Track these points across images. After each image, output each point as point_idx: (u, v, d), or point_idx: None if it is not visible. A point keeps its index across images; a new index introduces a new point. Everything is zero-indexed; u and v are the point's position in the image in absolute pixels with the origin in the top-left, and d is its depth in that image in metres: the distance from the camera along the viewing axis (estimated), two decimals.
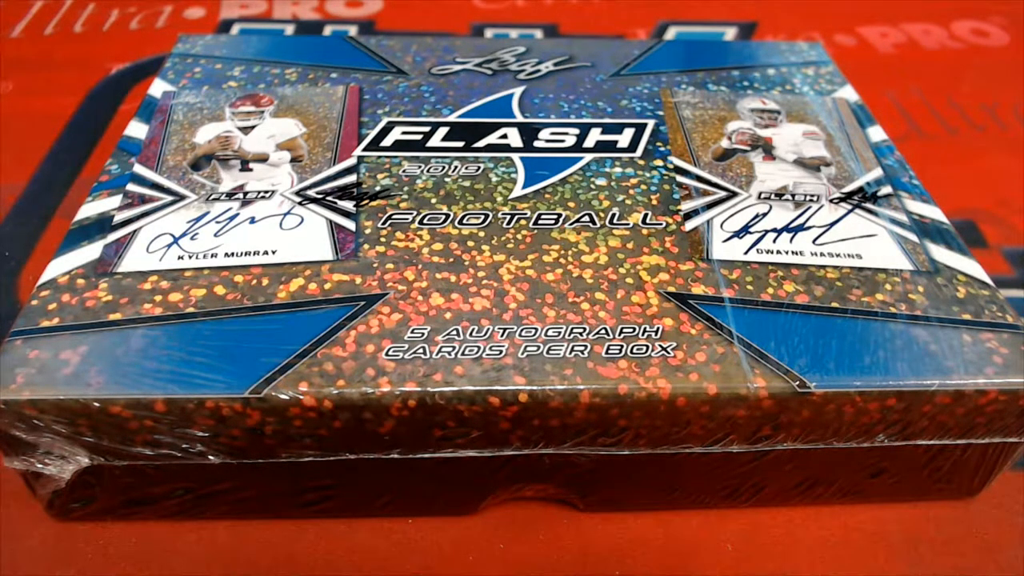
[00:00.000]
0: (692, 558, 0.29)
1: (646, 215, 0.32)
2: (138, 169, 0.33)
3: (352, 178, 0.33)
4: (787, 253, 0.30)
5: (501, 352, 0.26)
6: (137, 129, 0.35)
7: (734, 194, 0.33)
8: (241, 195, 0.32)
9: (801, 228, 0.32)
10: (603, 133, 0.36)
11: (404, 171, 0.33)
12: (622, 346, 0.26)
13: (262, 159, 0.34)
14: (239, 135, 0.35)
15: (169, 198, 0.32)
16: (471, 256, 0.29)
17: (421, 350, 0.26)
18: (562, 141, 0.36)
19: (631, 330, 0.27)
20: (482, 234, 0.30)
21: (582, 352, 0.26)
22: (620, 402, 0.25)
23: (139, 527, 0.29)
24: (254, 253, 0.29)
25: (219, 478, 0.27)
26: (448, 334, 0.26)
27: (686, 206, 0.32)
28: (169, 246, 0.29)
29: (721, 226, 0.31)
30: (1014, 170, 0.48)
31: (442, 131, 0.36)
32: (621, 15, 0.64)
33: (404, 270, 0.29)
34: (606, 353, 0.26)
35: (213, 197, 0.32)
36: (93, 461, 0.26)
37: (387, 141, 0.35)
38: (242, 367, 0.25)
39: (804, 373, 0.26)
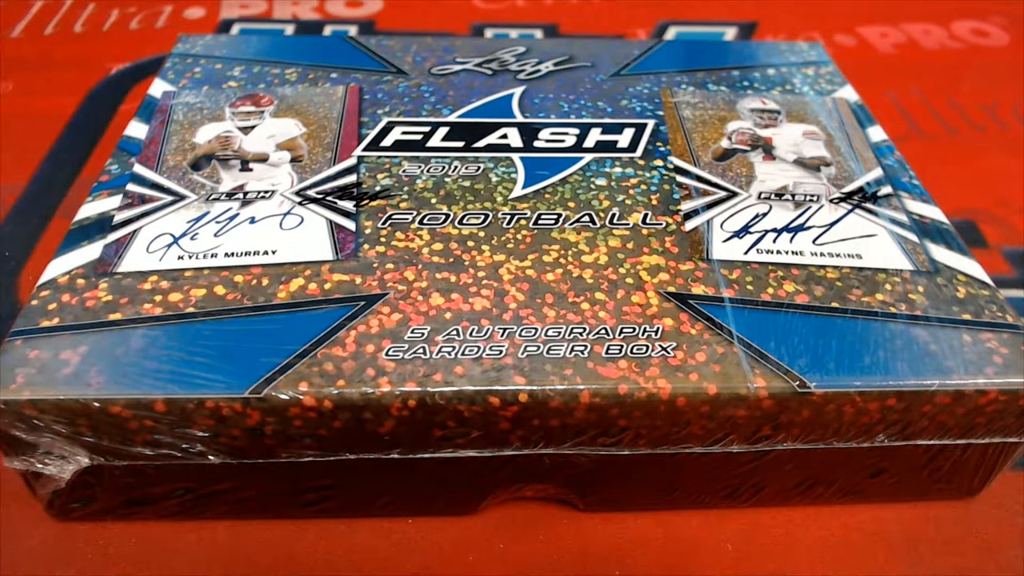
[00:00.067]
0: (692, 558, 0.29)
1: (646, 215, 0.32)
2: (138, 169, 0.33)
3: (352, 178, 0.33)
4: (787, 253, 0.30)
5: (501, 352, 0.26)
6: (137, 129, 0.35)
7: (734, 194, 0.33)
8: (241, 195, 0.32)
9: (801, 228, 0.32)
10: (603, 133, 0.36)
11: (404, 171, 0.33)
12: (622, 346, 0.26)
13: (262, 159, 0.34)
14: (239, 135, 0.35)
15: (169, 198, 0.32)
16: (471, 256, 0.29)
17: (421, 350, 0.26)
18: (562, 141, 0.36)
19: (631, 330, 0.27)
20: (482, 234, 0.30)
21: (582, 352, 0.26)
22: (620, 402, 0.25)
23: (139, 527, 0.29)
24: (254, 253, 0.29)
25: (219, 478, 0.27)
26: (448, 334, 0.26)
27: (686, 206, 0.32)
28: (169, 246, 0.29)
29: (721, 226, 0.31)
30: (1014, 170, 0.48)
31: (442, 131, 0.36)
32: (621, 15, 0.64)
33: (404, 270, 0.29)
34: (606, 353, 0.26)
35: (213, 197, 0.32)
36: (93, 461, 0.26)
37: (387, 141, 0.35)
38: (242, 367, 0.25)
39: (804, 373, 0.26)
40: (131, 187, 0.32)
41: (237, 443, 0.26)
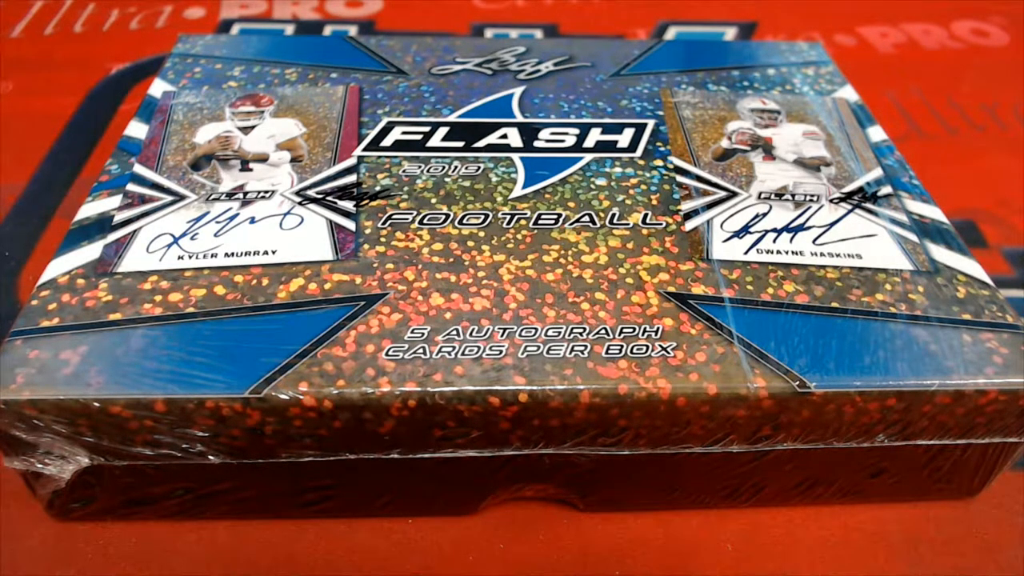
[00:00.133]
0: (692, 558, 0.29)
1: (646, 215, 0.32)
2: (138, 169, 0.33)
3: (352, 178, 0.33)
4: (787, 253, 0.30)
5: (501, 352, 0.26)
6: (137, 129, 0.35)
7: (734, 194, 0.33)
8: (241, 195, 0.32)
9: (801, 228, 0.32)
10: (603, 133, 0.36)
11: (404, 171, 0.33)
12: (622, 346, 0.26)
13: (262, 159, 0.34)
14: (239, 135, 0.35)
15: (169, 198, 0.32)
16: (471, 256, 0.29)
17: (421, 350, 0.26)
18: (562, 141, 0.36)
19: (631, 330, 0.27)
20: (482, 234, 0.30)
21: (582, 352, 0.26)
22: (620, 402, 0.25)
23: (139, 527, 0.29)
24: (254, 253, 0.29)
25: (219, 478, 0.27)
26: (448, 334, 0.26)
27: (686, 206, 0.32)
28: (169, 246, 0.29)
29: (721, 226, 0.31)
30: (1014, 170, 0.48)
31: (442, 131, 0.36)
32: (621, 15, 0.64)
33: (404, 270, 0.29)
34: (606, 353, 0.26)
35: (213, 197, 0.32)
36: (93, 461, 0.26)
37: (387, 141, 0.35)
38: (242, 367, 0.25)
39: (804, 373, 0.26)
40: (131, 187, 0.32)
41: (237, 443, 0.26)
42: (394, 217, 0.31)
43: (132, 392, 0.24)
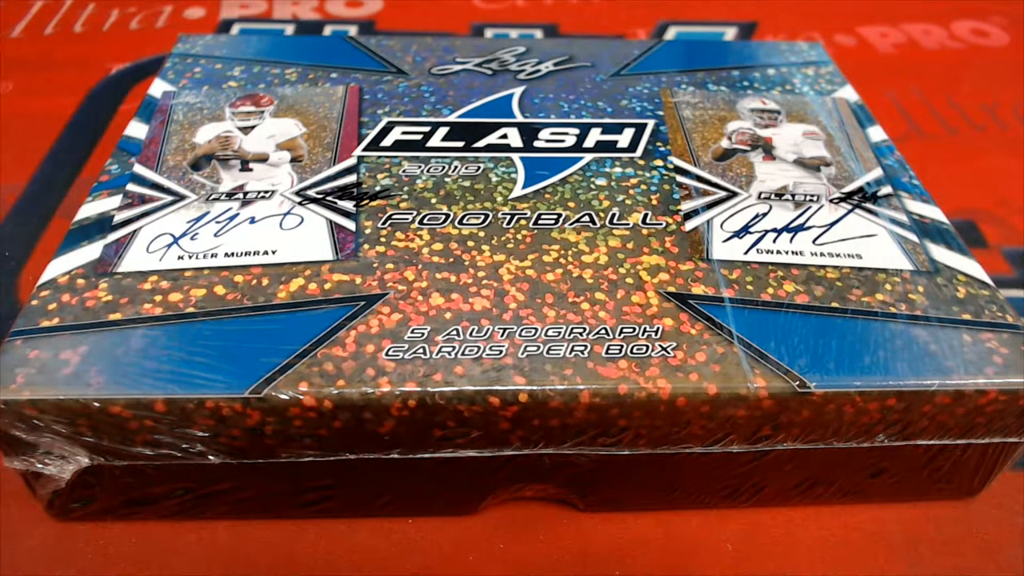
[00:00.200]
0: (692, 558, 0.29)
1: (646, 215, 0.32)
2: (138, 169, 0.33)
3: (352, 178, 0.33)
4: (787, 253, 0.30)
5: (501, 352, 0.26)
6: (137, 129, 0.35)
7: (734, 194, 0.33)
8: (241, 195, 0.32)
9: (801, 228, 0.32)
10: (603, 133, 0.36)
11: (404, 171, 0.33)
12: (622, 346, 0.26)
13: (262, 159, 0.34)
14: (239, 135, 0.35)
15: (169, 198, 0.32)
16: (471, 256, 0.29)
17: (421, 350, 0.26)
18: (562, 141, 0.36)
19: (631, 330, 0.27)
20: (482, 234, 0.30)
21: (582, 352, 0.26)
22: (620, 402, 0.25)
23: (139, 527, 0.29)
24: (254, 253, 0.29)
25: (219, 478, 0.27)
26: (448, 334, 0.26)
27: (686, 206, 0.32)
28: (169, 246, 0.29)
29: (721, 226, 0.31)
30: (1014, 170, 0.48)
31: (442, 131, 0.36)
32: (621, 15, 0.64)
33: (404, 270, 0.29)
34: (606, 353, 0.26)
35: (213, 197, 0.32)
36: (93, 461, 0.26)
37: (387, 141, 0.35)
38: (242, 367, 0.25)
39: (804, 373, 0.26)
40: (131, 187, 0.32)
41: (237, 443, 0.26)
42: (394, 217, 0.31)
43: (132, 392, 0.24)
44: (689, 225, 0.31)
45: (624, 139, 0.36)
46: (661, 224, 0.31)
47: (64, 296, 0.27)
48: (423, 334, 0.26)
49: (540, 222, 0.31)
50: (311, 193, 0.32)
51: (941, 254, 0.31)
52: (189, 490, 0.28)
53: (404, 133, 0.35)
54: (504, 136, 0.36)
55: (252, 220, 0.31)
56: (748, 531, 0.30)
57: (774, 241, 0.31)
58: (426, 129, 0.36)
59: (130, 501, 0.28)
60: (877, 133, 0.38)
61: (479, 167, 0.34)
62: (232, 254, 0.29)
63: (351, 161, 0.34)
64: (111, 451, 0.25)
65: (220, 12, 0.61)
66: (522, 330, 0.27)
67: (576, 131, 0.36)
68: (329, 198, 0.32)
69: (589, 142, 0.35)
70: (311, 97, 0.38)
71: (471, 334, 0.26)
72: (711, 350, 0.26)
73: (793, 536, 0.30)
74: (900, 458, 0.28)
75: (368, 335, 0.26)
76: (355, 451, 0.26)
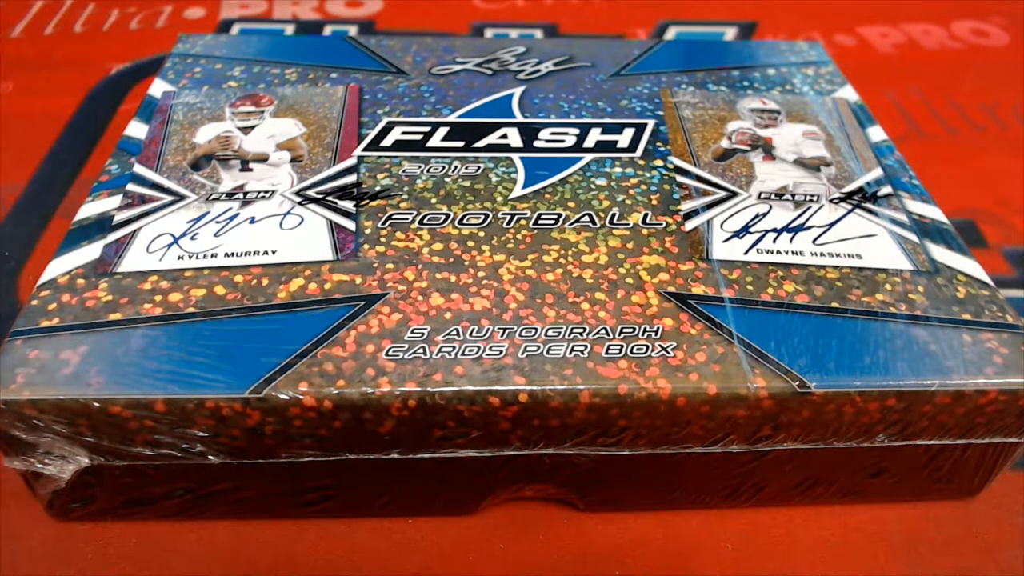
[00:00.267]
0: (692, 558, 0.29)
1: (646, 215, 0.32)
2: (138, 169, 0.33)
3: (352, 178, 0.33)
4: (787, 253, 0.30)
5: (501, 352, 0.26)
6: (137, 129, 0.35)
7: (734, 194, 0.33)
8: (241, 195, 0.32)
9: (801, 228, 0.32)
10: (603, 133, 0.36)
11: (404, 171, 0.33)
12: (622, 346, 0.26)
13: (262, 159, 0.34)
14: (239, 135, 0.35)
15: (169, 198, 0.32)
16: (471, 256, 0.29)
17: (421, 350, 0.26)
18: (562, 141, 0.36)
19: (631, 330, 0.27)
20: (482, 234, 0.30)
21: (582, 352, 0.26)
22: (620, 402, 0.25)
23: (139, 527, 0.29)
24: (254, 253, 0.29)
25: (219, 478, 0.27)
26: (448, 334, 0.26)
27: (686, 206, 0.32)
28: (169, 246, 0.29)
29: (721, 226, 0.31)
30: (1014, 170, 0.48)
31: (442, 131, 0.36)
32: (621, 15, 0.64)
33: (404, 270, 0.29)
34: (606, 353, 0.26)
35: (213, 197, 0.32)
36: (93, 461, 0.26)
37: (387, 141, 0.35)
38: (242, 367, 0.25)
39: (804, 373, 0.26)
40: (131, 187, 0.32)
41: (237, 443, 0.26)
42: (394, 217, 0.31)
43: (132, 392, 0.24)
44: (689, 225, 0.31)
45: (624, 139, 0.36)
46: (661, 224, 0.31)
47: (64, 296, 0.27)
48: (423, 334, 0.26)
49: (540, 222, 0.31)
50: (311, 193, 0.32)
51: (941, 254, 0.31)
52: (189, 490, 0.28)
53: (404, 133, 0.35)
54: (504, 136, 0.36)
55: (252, 220, 0.31)
56: (748, 531, 0.30)
57: (774, 241, 0.31)
58: (426, 129, 0.36)
59: (130, 501, 0.28)
60: (877, 133, 0.38)
61: (479, 167, 0.34)
62: (232, 254, 0.29)
63: (351, 161, 0.34)
64: (111, 451, 0.25)
65: (220, 12, 0.61)
66: (522, 330, 0.27)
67: (576, 131, 0.36)
68: (329, 198, 0.32)
69: (589, 142, 0.35)
70: (311, 97, 0.38)
71: (471, 334, 0.26)
72: (711, 350, 0.26)
73: (793, 536, 0.30)
74: (900, 458, 0.28)
75: (368, 335, 0.26)
76: (355, 451, 0.26)
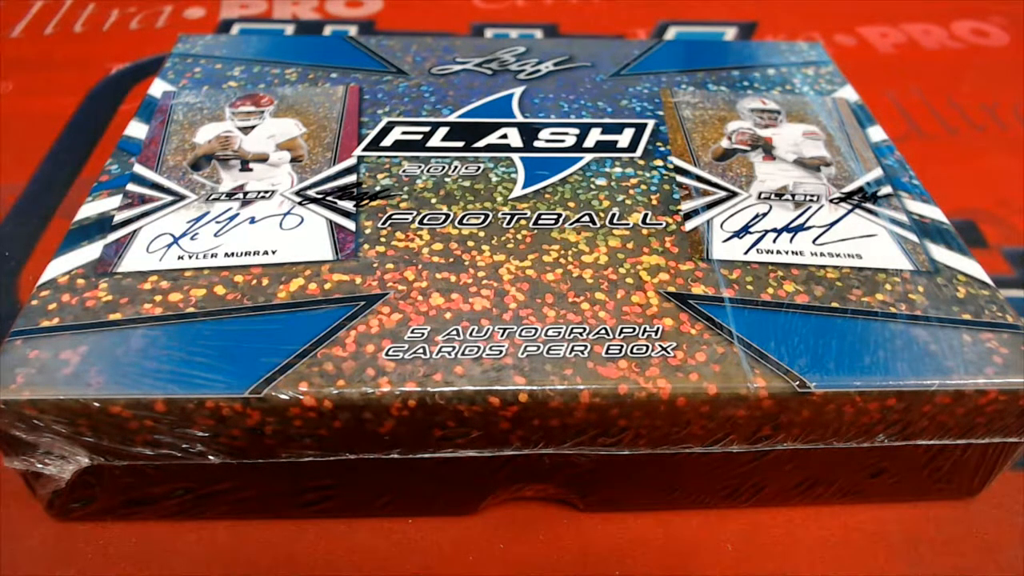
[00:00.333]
0: (692, 558, 0.29)
1: (646, 215, 0.32)
2: (138, 169, 0.33)
3: (352, 178, 0.33)
4: (787, 253, 0.30)
5: (501, 352, 0.26)
6: (137, 129, 0.35)
7: (734, 194, 0.33)
8: (241, 195, 0.32)
9: (801, 228, 0.32)
10: (603, 133, 0.36)
11: (404, 171, 0.33)
12: (622, 346, 0.26)
13: (262, 159, 0.34)
14: (239, 135, 0.35)
15: (169, 198, 0.32)
16: (471, 256, 0.29)
17: (421, 350, 0.26)
18: (562, 141, 0.36)
19: (631, 330, 0.27)
20: (482, 234, 0.30)
21: (582, 352, 0.26)
22: (620, 402, 0.25)
23: (139, 527, 0.29)
24: (254, 253, 0.29)
25: (219, 478, 0.27)
26: (448, 334, 0.26)
27: (686, 206, 0.32)
28: (169, 246, 0.29)
29: (721, 226, 0.31)
30: (1014, 170, 0.48)
31: (442, 131, 0.36)
32: (621, 15, 0.64)
33: (404, 270, 0.29)
34: (606, 353, 0.26)
35: (213, 197, 0.32)
36: (93, 461, 0.26)
37: (387, 141, 0.35)
38: (242, 367, 0.25)
39: (804, 373, 0.26)
40: (131, 187, 0.32)
41: (237, 443, 0.26)
42: (394, 217, 0.31)
43: (132, 392, 0.24)
44: (689, 225, 0.31)
45: (624, 139, 0.36)
46: (661, 224, 0.31)
47: (64, 296, 0.27)
48: (423, 334, 0.26)
49: (540, 222, 0.31)
50: (311, 193, 0.32)
51: (941, 254, 0.31)
52: (189, 490, 0.28)
53: (404, 133, 0.35)
54: (504, 136, 0.36)
55: (252, 220, 0.31)
56: (748, 531, 0.30)
57: (774, 241, 0.31)
58: (426, 129, 0.36)
59: (130, 501, 0.28)
60: (877, 133, 0.38)
61: (479, 167, 0.34)
62: (232, 254, 0.29)
63: (351, 161, 0.34)
64: (111, 451, 0.25)
65: (220, 12, 0.61)
66: (522, 330, 0.27)
67: (576, 131, 0.36)
68: (329, 198, 0.32)
69: (589, 142, 0.35)
70: (311, 97, 0.38)
71: (471, 334, 0.26)
72: (711, 350, 0.26)
73: (793, 536, 0.30)
74: (900, 458, 0.28)
75: (368, 335, 0.26)
76: (355, 451, 0.26)
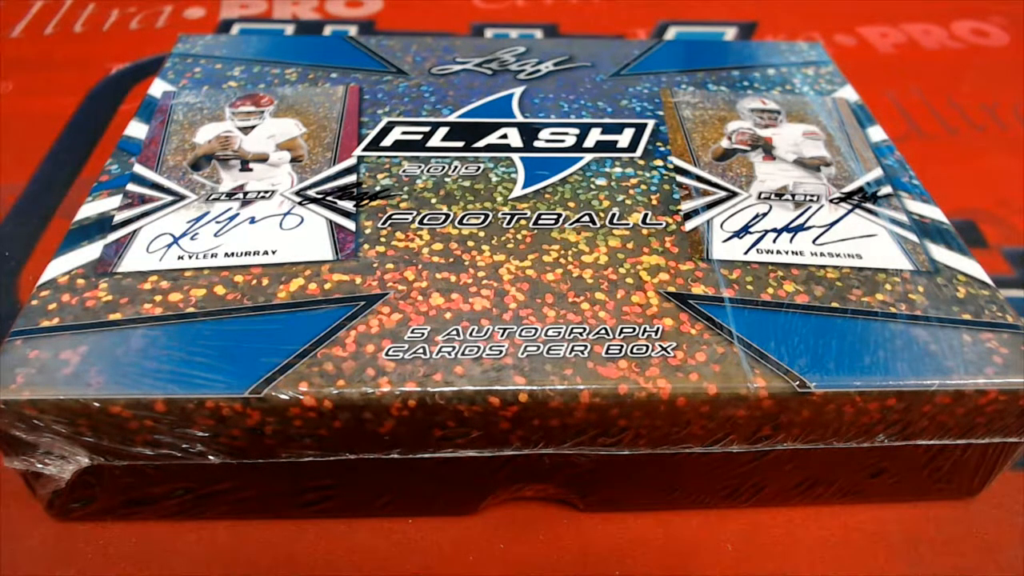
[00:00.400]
0: (692, 558, 0.29)
1: (646, 215, 0.32)
2: (138, 169, 0.33)
3: (352, 178, 0.33)
4: (787, 253, 0.30)
5: (501, 352, 0.26)
6: (137, 129, 0.35)
7: (734, 194, 0.33)
8: (241, 195, 0.32)
9: (801, 228, 0.32)
10: (603, 133, 0.36)
11: (404, 171, 0.33)
12: (622, 346, 0.26)
13: (262, 159, 0.34)
14: (239, 135, 0.35)
15: (169, 198, 0.32)
16: (471, 256, 0.29)
17: (421, 350, 0.26)
18: (562, 141, 0.36)
19: (631, 330, 0.27)
20: (482, 234, 0.30)
21: (582, 352, 0.26)
22: (620, 402, 0.25)
23: (139, 527, 0.29)
24: (254, 253, 0.29)
25: (219, 478, 0.27)
26: (448, 334, 0.26)
27: (686, 206, 0.32)
28: (169, 246, 0.29)
29: (721, 226, 0.31)
30: (1014, 170, 0.48)
31: (442, 131, 0.36)
32: (621, 15, 0.64)
33: (404, 270, 0.29)
34: (606, 353, 0.26)
35: (213, 197, 0.32)
36: (93, 461, 0.26)
37: (387, 141, 0.35)
38: (242, 367, 0.25)
39: (804, 373, 0.26)
40: (131, 187, 0.32)
41: (237, 443, 0.26)
42: (394, 217, 0.31)
43: (132, 392, 0.24)
44: (689, 225, 0.31)
45: (624, 139, 0.36)
46: (661, 224, 0.31)
47: (64, 296, 0.27)
48: (423, 334, 0.26)
49: (540, 222, 0.31)
50: (311, 193, 0.32)
51: (941, 254, 0.31)
52: (189, 490, 0.28)
53: (404, 133, 0.35)
54: (504, 136, 0.36)
55: (252, 220, 0.31)
56: (748, 531, 0.30)
57: (774, 241, 0.31)
58: (426, 129, 0.36)
59: (130, 501, 0.28)
60: (877, 133, 0.38)
61: (479, 167, 0.34)
62: (232, 254, 0.29)
63: (351, 161, 0.34)
64: (111, 451, 0.25)
65: (220, 12, 0.61)
66: (522, 330, 0.27)
67: (576, 131, 0.36)
68: (329, 198, 0.32)
69: (589, 142, 0.35)
70: (311, 97, 0.38)
71: (471, 334, 0.26)
72: (711, 350, 0.26)
73: (793, 536, 0.30)
74: (900, 458, 0.28)
75: (368, 335, 0.26)
76: (355, 451, 0.26)
